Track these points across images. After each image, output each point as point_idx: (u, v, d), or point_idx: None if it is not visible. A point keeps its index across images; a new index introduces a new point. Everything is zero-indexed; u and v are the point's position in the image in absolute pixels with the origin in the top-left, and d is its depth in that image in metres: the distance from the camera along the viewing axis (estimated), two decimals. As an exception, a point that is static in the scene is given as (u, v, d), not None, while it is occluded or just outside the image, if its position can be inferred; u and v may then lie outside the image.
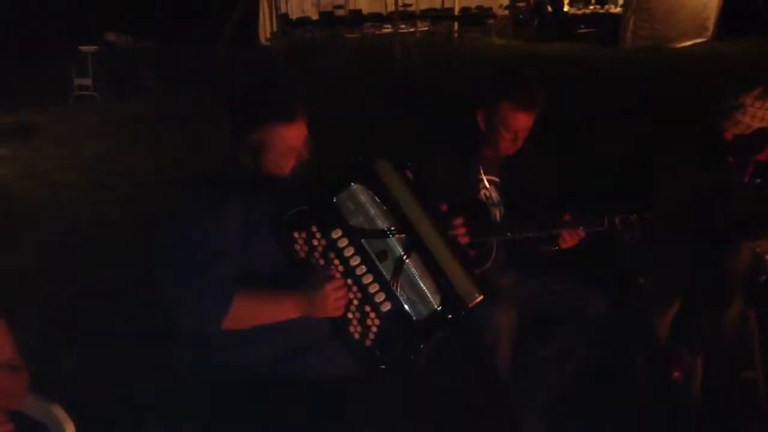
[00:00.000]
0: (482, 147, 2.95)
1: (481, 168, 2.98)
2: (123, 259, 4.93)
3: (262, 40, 19.34)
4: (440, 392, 2.20)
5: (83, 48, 11.32)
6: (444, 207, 2.50)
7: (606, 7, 20.65)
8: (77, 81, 11.40)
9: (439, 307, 2.08)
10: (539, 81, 2.88)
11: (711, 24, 17.83)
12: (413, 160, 2.58)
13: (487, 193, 2.99)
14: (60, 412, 2.10)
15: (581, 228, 2.78)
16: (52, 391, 2.18)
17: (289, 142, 2.20)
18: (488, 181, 2.99)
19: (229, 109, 2.27)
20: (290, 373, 2.12)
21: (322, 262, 2.10)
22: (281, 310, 2.09)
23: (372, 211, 2.12)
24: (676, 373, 2.93)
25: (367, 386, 2.14)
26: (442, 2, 23.18)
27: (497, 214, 2.99)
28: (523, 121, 2.82)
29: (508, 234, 2.82)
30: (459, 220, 2.51)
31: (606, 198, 3.38)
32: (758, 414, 3.05)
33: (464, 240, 2.56)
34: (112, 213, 6.10)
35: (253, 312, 2.08)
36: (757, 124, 2.94)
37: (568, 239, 2.79)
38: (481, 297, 2.16)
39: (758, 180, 3.08)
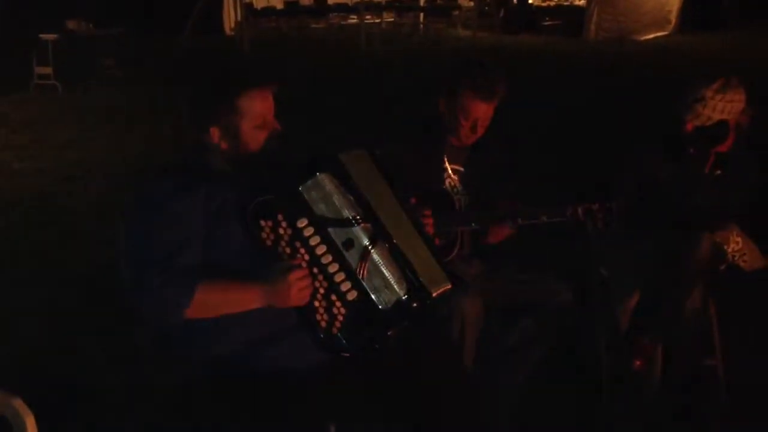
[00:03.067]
0: (447, 135, 2.97)
1: (446, 157, 3.00)
2: (85, 249, 4.88)
3: (227, 30, 19.19)
4: (405, 383, 2.20)
5: (44, 36, 11.13)
6: (413, 200, 2.51)
7: (570, -1, 20.82)
8: (38, 70, 11.21)
9: (404, 296, 2.08)
10: (500, 72, 2.90)
11: (673, 17, 18.08)
12: (378, 148, 2.59)
13: (452, 183, 3.00)
14: (20, 405, 2.07)
15: (545, 218, 2.80)
16: (13, 383, 2.16)
17: (263, 109, 2.20)
18: (453, 170, 3.01)
19: (197, 87, 2.27)
20: (256, 364, 2.11)
21: (288, 250, 2.09)
22: (245, 299, 2.09)
23: (337, 201, 2.11)
24: (638, 362, 2.96)
25: (333, 377, 2.14)
26: (408, -7, 23.19)
27: (461, 203, 3.00)
28: (482, 110, 2.84)
29: (473, 224, 2.83)
30: (428, 210, 2.52)
31: (568, 188, 3.41)
32: (718, 401, 3.10)
33: (430, 230, 2.57)
34: (73, 203, 6.02)
35: (216, 301, 2.07)
36: (717, 116, 2.98)
37: (496, 235, 2.82)
38: (448, 286, 2.17)
39: (718, 171, 3.12)
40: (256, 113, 2.19)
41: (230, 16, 19.23)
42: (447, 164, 2.99)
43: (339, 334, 2.08)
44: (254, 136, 2.20)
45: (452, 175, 3.00)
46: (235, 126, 2.18)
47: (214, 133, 2.19)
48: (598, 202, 2.78)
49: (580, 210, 2.78)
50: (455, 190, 3.00)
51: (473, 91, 2.81)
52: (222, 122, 2.18)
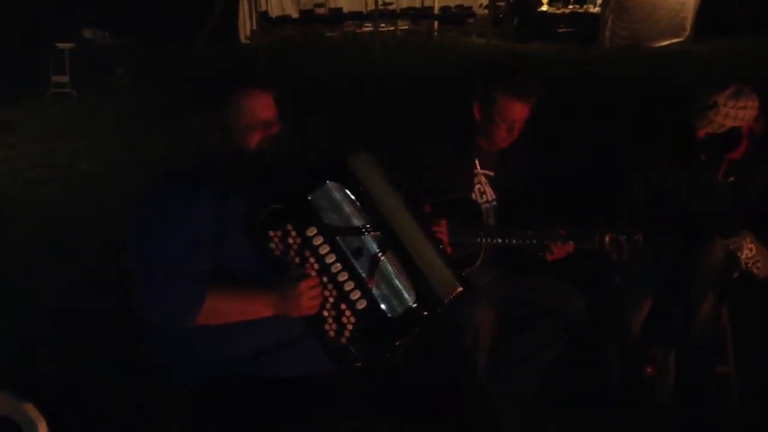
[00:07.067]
0: (477, 139, 2.96)
1: (477, 161, 2.99)
2: (99, 257, 4.90)
3: (242, 39, 19.29)
4: (419, 391, 2.20)
5: (60, 45, 11.23)
6: (427, 208, 2.51)
7: (585, 6, 20.75)
8: (54, 78, 11.31)
9: (414, 304, 2.08)
10: (531, 73, 2.90)
11: (688, 24, 18.00)
12: (401, 153, 2.59)
13: (481, 188, 2.99)
14: (32, 411, 2.08)
15: (571, 243, 2.79)
16: (25, 389, 2.16)
17: (258, 109, 2.19)
18: (483, 175, 3.00)
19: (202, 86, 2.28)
20: (266, 372, 2.11)
21: (297, 260, 2.09)
22: (255, 308, 2.09)
23: (347, 209, 2.12)
24: (650, 370, 2.95)
25: (345, 385, 2.14)
26: (422, 1, 23.23)
27: (491, 213, 3.00)
28: (518, 111, 2.83)
29: (498, 240, 2.83)
30: (441, 221, 2.52)
31: (583, 196, 3.41)
32: (731, 409, 3.08)
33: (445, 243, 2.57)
34: (85, 211, 6.06)
35: (226, 308, 2.07)
36: (729, 123, 2.97)
37: (557, 253, 2.79)
38: (459, 289, 2.16)
39: (731, 178, 3.11)
40: (251, 112, 2.18)
41: (245, 25, 19.33)
42: (478, 168, 2.99)
43: (348, 344, 2.08)
44: (246, 135, 2.18)
45: (483, 180, 3.00)
46: (228, 122, 2.17)
47: (214, 131, 2.20)
48: (626, 234, 2.77)
49: (607, 239, 2.78)
50: (484, 195, 2.99)
51: (510, 92, 2.80)
52: (218, 118, 2.18)
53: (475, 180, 2.99)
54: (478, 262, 2.83)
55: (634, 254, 2.79)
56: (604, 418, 3.08)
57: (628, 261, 3.12)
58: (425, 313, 2.09)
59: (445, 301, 2.12)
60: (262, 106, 2.21)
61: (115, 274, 2.03)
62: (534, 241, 2.79)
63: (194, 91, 2.26)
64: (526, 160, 3.06)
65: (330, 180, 2.13)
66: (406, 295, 2.09)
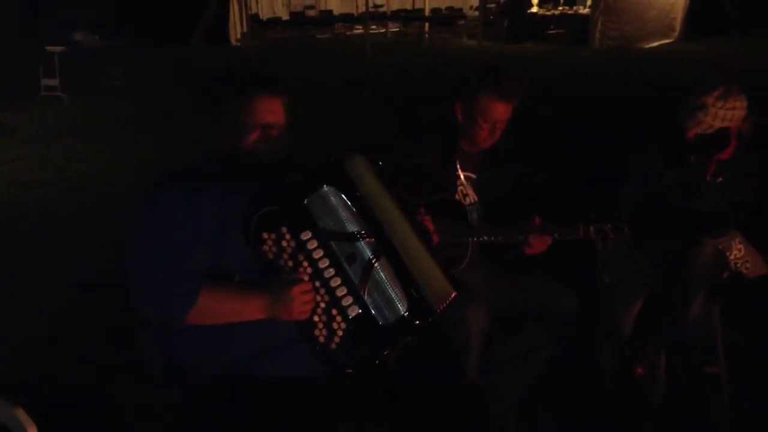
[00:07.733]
0: (460, 141, 2.96)
1: (459, 163, 3.00)
2: (92, 259, 4.90)
3: (233, 41, 19.29)
4: (414, 393, 2.20)
5: (50, 48, 11.20)
6: (422, 210, 2.51)
7: (575, 8, 20.82)
8: (44, 81, 11.28)
9: (406, 312, 2.08)
10: (519, 74, 2.89)
11: (678, 24, 18.11)
12: (391, 153, 2.58)
13: (464, 190, 3.00)
14: (22, 415, 2.07)
15: (556, 235, 2.80)
16: (18, 392, 2.16)
17: (255, 110, 2.19)
18: (465, 177, 3.00)
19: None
20: (265, 372, 2.11)
21: (290, 263, 2.09)
22: (247, 310, 2.08)
23: (342, 214, 2.11)
24: (640, 370, 2.96)
25: (342, 386, 2.14)
26: (413, 3, 23.27)
27: (474, 213, 3.00)
28: (501, 112, 2.82)
29: (484, 237, 2.84)
30: (429, 223, 2.52)
31: (575, 196, 3.42)
32: (721, 408, 3.10)
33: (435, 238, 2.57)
34: (80, 213, 6.05)
35: (218, 308, 2.06)
36: (718, 124, 2.98)
37: (537, 247, 2.80)
38: (452, 294, 2.18)
39: (720, 179, 3.12)
40: (254, 112, 2.19)
41: (236, 27, 19.32)
42: (460, 171, 2.99)
43: (338, 350, 2.08)
44: (245, 135, 2.19)
45: (464, 182, 3.00)
46: (230, 121, 2.18)
47: (216, 130, 2.20)
48: (611, 223, 2.78)
49: (592, 230, 2.79)
50: (467, 197, 3.00)
51: (493, 93, 2.79)
52: (221, 118, 2.19)
53: (458, 182, 2.99)
54: (466, 262, 2.84)
55: (621, 244, 2.79)
56: (597, 417, 3.09)
57: (618, 259, 3.15)
58: (417, 321, 2.08)
59: (438, 310, 2.12)
60: (266, 109, 2.21)
61: (114, 274, 2.02)
62: (519, 237, 2.79)
63: (197, 92, 2.26)
64: (509, 163, 3.06)
65: (327, 184, 2.12)
66: (398, 304, 2.08)
